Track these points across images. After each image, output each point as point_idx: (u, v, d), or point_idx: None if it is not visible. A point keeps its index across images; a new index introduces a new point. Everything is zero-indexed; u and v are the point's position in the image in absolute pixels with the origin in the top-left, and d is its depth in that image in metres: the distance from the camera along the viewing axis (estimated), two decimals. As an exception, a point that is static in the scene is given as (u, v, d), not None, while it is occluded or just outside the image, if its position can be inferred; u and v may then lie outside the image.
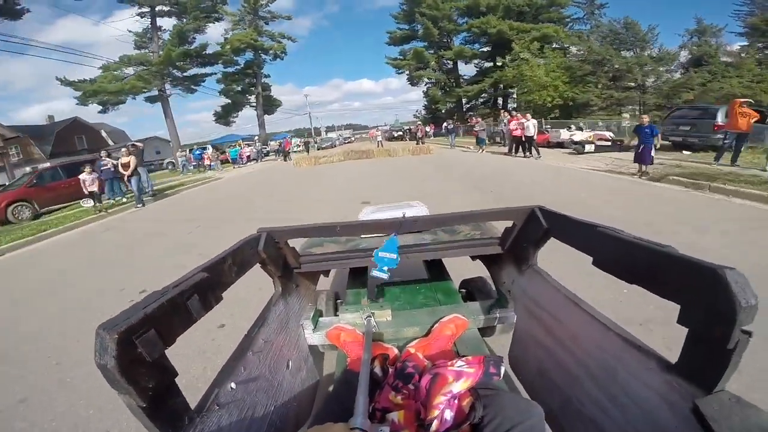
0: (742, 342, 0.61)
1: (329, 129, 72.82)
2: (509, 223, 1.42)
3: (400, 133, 36.04)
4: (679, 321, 0.70)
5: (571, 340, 1.06)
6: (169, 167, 26.58)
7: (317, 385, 1.45)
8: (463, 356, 1.04)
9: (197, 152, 23.18)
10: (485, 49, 34.44)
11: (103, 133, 35.21)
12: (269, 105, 39.58)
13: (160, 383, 0.67)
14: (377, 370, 1.09)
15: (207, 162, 21.58)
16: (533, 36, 27.70)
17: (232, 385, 0.92)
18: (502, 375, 0.95)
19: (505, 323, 1.49)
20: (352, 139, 54.69)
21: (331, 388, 1.32)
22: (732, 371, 0.64)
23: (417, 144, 21.20)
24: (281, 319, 1.34)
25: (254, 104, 37.56)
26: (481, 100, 37.60)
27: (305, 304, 1.63)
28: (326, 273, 1.93)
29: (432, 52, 36.05)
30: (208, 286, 0.86)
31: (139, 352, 0.63)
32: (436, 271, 2.04)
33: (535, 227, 1.29)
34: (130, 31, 28.03)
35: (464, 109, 37.53)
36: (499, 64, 32.14)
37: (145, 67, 26.85)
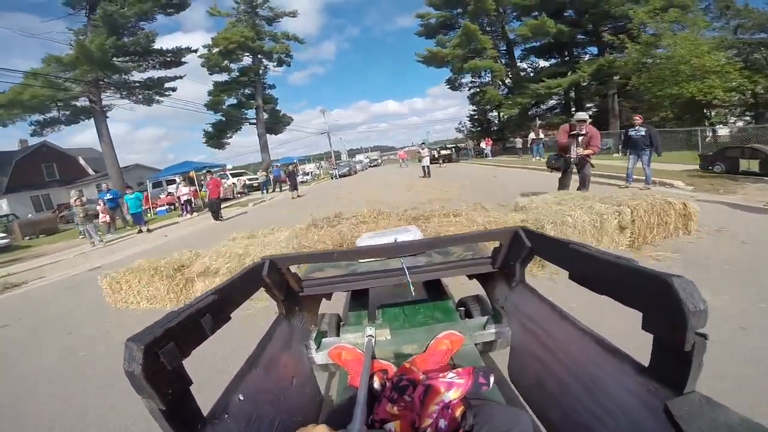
0: (699, 344, 0.65)
1: (355, 152, 64.74)
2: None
3: (447, 152, 26.79)
4: (643, 327, 0.75)
5: (561, 351, 1.11)
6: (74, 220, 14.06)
7: (321, 400, 1.51)
8: (456, 368, 1.10)
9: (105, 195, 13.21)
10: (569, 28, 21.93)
11: (81, 161, 29.52)
12: (275, 122, 31.80)
13: (177, 390, 0.75)
14: (376, 384, 1.15)
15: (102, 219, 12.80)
16: (653, 6, 17.39)
17: (240, 396, 0.99)
18: (491, 385, 1.01)
19: (501, 338, 1.54)
20: (380, 161, 47.35)
21: (333, 403, 1.37)
22: (697, 373, 0.68)
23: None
24: (285, 339, 1.42)
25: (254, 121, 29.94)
26: (553, 101, 26.99)
27: (308, 326, 1.71)
28: (329, 296, 2.01)
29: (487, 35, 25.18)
30: (218, 307, 0.96)
31: (161, 362, 0.72)
32: (435, 291, 2.11)
33: (519, 246, 1.38)
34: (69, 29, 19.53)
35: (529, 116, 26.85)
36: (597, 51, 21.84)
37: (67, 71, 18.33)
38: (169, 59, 22.59)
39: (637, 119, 7.49)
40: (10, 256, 12.43)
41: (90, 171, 29.40)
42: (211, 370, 2.45)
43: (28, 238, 18.05)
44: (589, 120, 5.98)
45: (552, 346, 1.17)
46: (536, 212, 4.19)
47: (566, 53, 24.91)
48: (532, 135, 19.48)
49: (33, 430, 2.28)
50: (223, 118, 28.65)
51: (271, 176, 23.18)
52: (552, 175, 7.07)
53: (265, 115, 30.61)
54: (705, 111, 17.08)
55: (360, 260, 1.91)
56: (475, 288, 1.93)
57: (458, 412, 0.94)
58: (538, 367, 1.24)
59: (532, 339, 1.30)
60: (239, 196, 21.97)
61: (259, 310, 3.25)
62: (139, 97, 22.04)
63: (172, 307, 3.96)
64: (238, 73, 28.73)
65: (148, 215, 16.16)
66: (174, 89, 23.05)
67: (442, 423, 0.92)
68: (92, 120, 20.38)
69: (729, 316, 2.37)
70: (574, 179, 6.21)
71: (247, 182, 24.39)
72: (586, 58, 23.44)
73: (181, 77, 23.17)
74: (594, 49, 23.54)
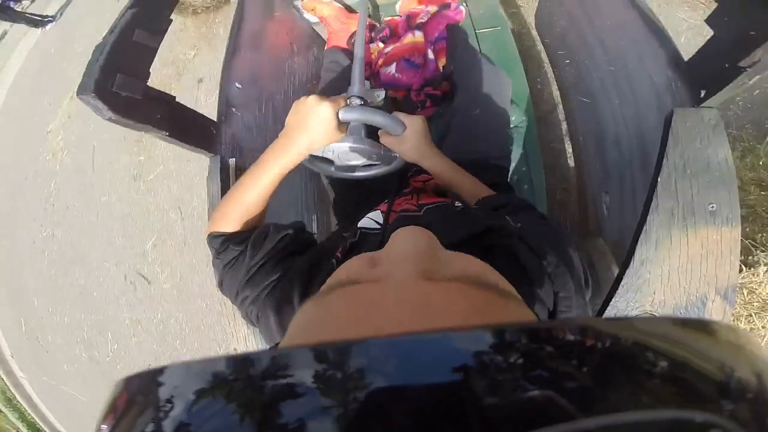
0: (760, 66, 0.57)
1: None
2: None
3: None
4: (707, 20, 0.65)
5: (595, 11, 1.02)
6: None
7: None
8: None
9: None
10: None
11: None
12: None
13: (165, 111, 0.71)
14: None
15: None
16: None
17: (237, 85, 0.92)
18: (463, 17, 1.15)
19: None
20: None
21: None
22: (729, 93, 0.63)
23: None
24: (263, 4, 1.17)
25: None
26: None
27: None
28: None
29: None
30: (148, 12, 0.77)
31: (125, 97, 0.67)
32: None
33: None
34: None
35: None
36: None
37: None
38: None
39: None
40: None
41: None
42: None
43: None
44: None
45: (587, 5, 1.05)
46: None
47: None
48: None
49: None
50: None
51: None
52: None
53: None
54: None
55: None
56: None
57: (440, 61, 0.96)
58: (565, 23, 1.16)
59: None
60: None
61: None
62: None
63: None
64: None
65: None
66: None
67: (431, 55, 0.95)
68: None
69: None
70: None
71: None
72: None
73: None
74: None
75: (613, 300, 0.61)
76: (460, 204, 0.62)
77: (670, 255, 0.60)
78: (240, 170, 0.84)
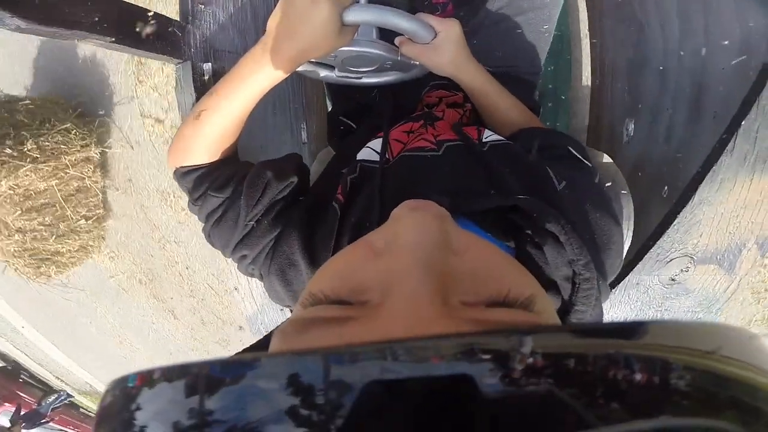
0: None
1: None
2: None
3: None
4: None
5: None
6: None
7: None
8: None
9: None
10: None
11: None
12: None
13: (106, 10, 0.55)
14: None
15: None
16: None
17: None
18: None
19: None
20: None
21: None
22: None
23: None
24: None
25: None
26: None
27: None
28: None
29: None
30: None
31: None
32: None
33: None
34: None
35: None
36: None
37: None
38: None
39: None
40: None
41: None
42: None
43: None
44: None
45: None
46: None
47: None
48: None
49: None
50: None
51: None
52: None
53: None
54: None
55: None
56: None
57: None
58: None
59: None
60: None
61: None
62: None
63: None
64: None
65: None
66: None
67: None
68: None
69: None
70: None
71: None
72: None
73: None
74: None
75: (660, 240, 0.59)
76: (490, 136, 0.49)
77: (728, 199, 0.58)
78: (217, 76, 0.70)
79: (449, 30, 0.50)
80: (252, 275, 0.47)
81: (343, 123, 0.74)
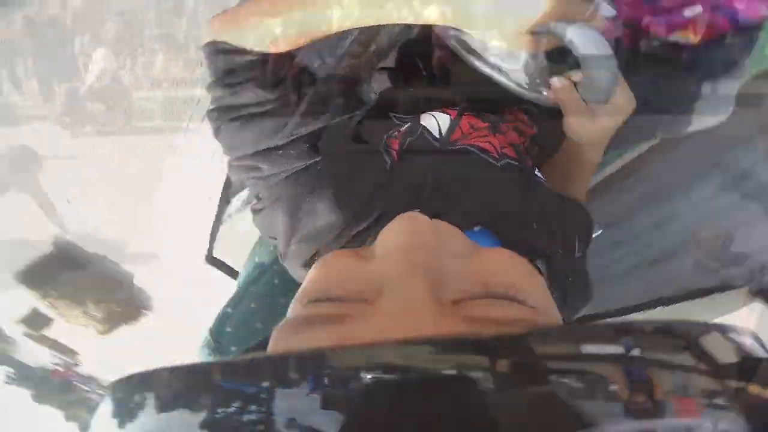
0: None
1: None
2: None
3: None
4: None
5: None
6: None
7: None
8: None
9: None
10: None
11: None
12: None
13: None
14: None
15: None
16: None
17: None
18: None
19: None
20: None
21: None
22: None
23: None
24: None
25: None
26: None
27: None
28: None
29: None
30: None
31: None
32: None
33: None
34: None
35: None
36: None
37: None
38: None
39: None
40: None
41: None
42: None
43: None
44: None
45: None
46: None
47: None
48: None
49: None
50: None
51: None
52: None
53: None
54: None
55: None
56: None
57: None
58: None
59: None
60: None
61: None
62: None
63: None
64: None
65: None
66: None
67: None
68: None
69: None
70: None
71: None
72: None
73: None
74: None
75: None
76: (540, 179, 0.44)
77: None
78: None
79: (627, 103, 0.40)
80: (245, 188, 0.39)
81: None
